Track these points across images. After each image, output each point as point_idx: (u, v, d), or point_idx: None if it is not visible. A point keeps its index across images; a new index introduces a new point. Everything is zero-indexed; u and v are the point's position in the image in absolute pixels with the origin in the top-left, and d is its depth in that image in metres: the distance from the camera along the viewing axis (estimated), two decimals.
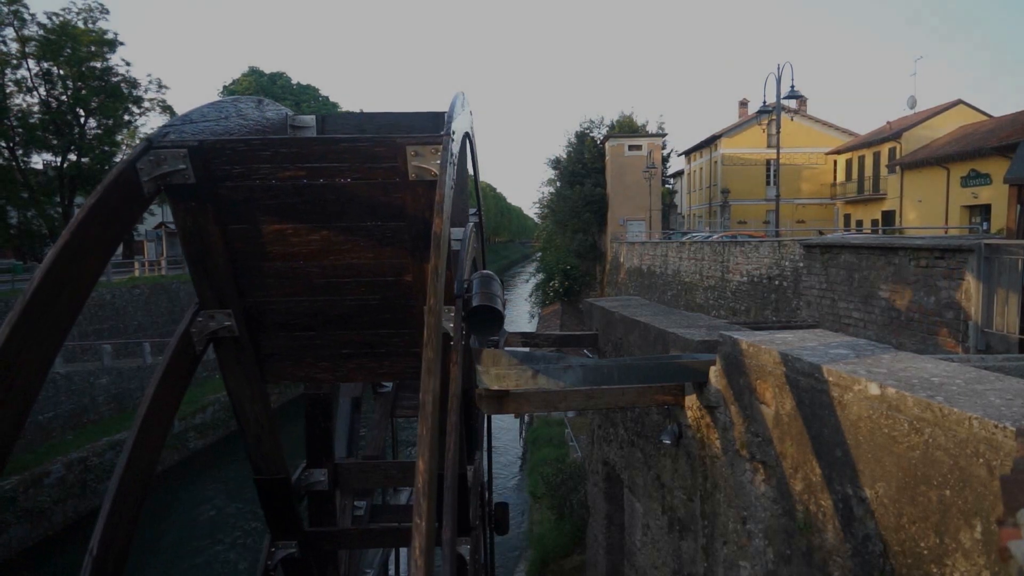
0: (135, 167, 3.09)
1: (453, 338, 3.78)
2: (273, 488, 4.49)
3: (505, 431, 26.36)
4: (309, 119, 5.05)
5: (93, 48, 30.72)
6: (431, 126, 4.93)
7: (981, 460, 2.80)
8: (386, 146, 3.22)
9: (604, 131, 46.45)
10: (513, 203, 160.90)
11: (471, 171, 6.36)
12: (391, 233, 3.55)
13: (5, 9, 27.67)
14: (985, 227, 24.65)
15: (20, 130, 29.08)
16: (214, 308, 3.71)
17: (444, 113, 4.90)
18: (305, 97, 52.85)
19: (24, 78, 29.59)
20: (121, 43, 31.93)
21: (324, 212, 3.44)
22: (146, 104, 34.16)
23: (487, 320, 4.64)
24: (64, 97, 30.69)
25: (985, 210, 26.28)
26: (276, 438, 4.27)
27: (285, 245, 3.56)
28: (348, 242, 3.57)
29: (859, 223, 37.41)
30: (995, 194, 24.78)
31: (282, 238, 3.54)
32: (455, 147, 3.40)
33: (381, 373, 4.21)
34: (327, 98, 56.33)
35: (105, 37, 31.24)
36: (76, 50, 29.88)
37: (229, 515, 20.41)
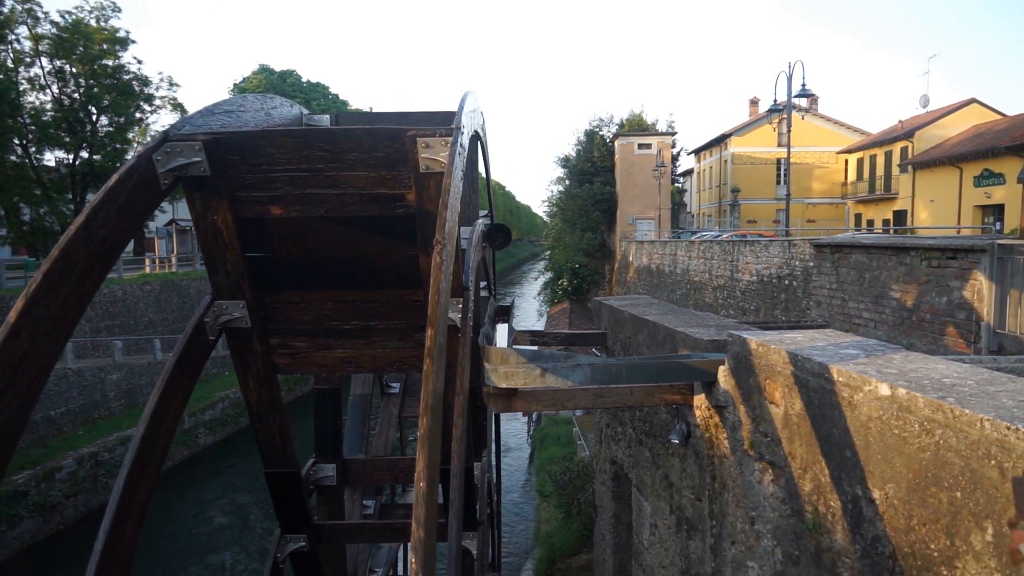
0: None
1: (461, 330, 3.66)
2: (283, 481, 4.47)
3: (513, 430, 26.36)
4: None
5: (105, 46, 30.99)
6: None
7: (993, 462, 2.77)
8: None
9: (614, 129, 46.38)
10: (522, 201, 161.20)
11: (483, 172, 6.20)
12: None
13: (19, 8, 27.92)
14: (998, 227, 24.43)
15: (33, 127, 29.37)
16: None
17: (453, 114, 4.20)
18: (315, 95, 53.04)
19: (37, 76, 29.94)
20: (133, 41, 32.21)
21: None
22: (157, 102, 34.45)
23: None
24: (76, 95, 30.95)
25: (998, 210, 26.03)
26: (286, 431, 4.24)
27: None
28: None
29: (870, 223, 37.14)
30: (1009, 194, 24.56)
31: None
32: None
33: None
34: (336, 96, 56.52)
35: (117, 35, 31.51)
36: (88, 48, 30.15)
37: (238, 512, 20.52)
